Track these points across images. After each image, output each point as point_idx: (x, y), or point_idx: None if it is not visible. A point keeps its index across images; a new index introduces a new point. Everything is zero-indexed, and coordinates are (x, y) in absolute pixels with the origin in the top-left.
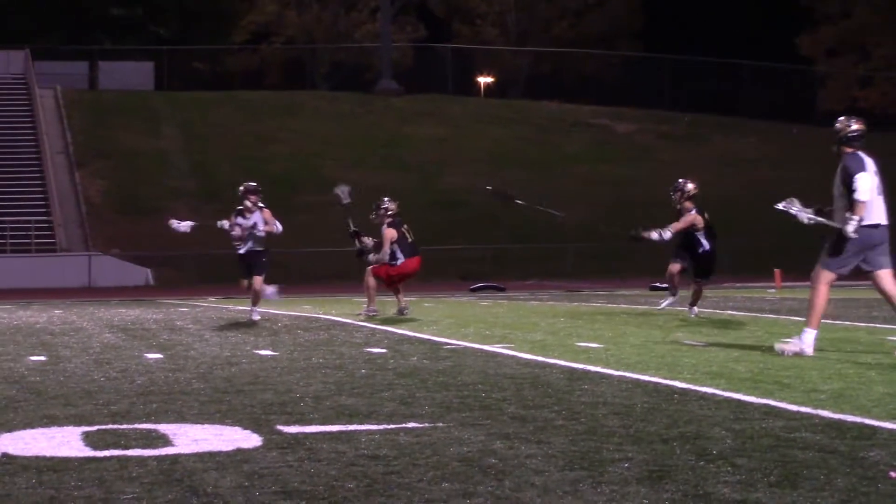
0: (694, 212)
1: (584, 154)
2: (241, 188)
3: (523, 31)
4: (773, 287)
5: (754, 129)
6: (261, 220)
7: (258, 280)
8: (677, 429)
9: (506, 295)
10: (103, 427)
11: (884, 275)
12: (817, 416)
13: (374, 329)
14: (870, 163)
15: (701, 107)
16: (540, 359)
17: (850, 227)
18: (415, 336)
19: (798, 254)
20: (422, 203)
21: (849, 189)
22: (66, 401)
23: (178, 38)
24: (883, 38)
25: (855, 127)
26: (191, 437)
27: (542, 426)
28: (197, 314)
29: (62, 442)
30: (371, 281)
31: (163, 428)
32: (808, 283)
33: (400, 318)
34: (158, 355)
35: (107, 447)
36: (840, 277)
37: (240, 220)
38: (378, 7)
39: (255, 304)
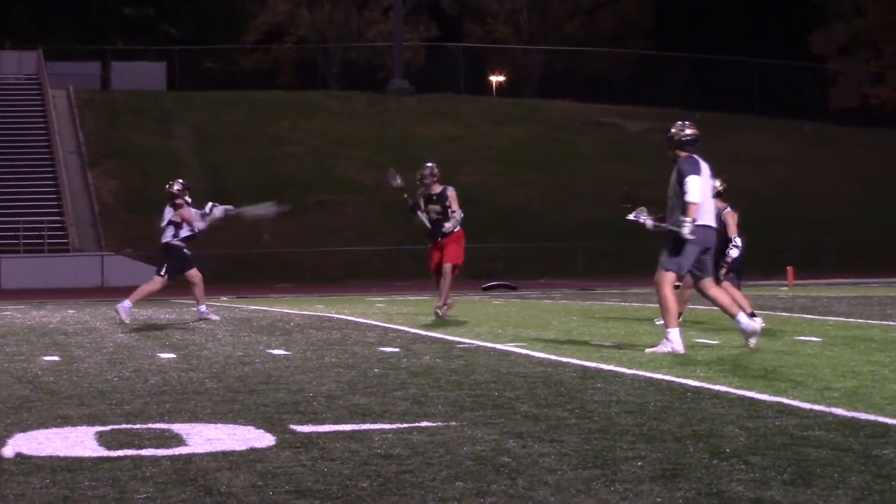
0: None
1: (595, 153)
2: (175, 185)
3: (535, 30)
4: (785, 284)
5: (767, 127)
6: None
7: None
8: (690, 427)
9: (518, 294)
10: (117, 427)
11: (709, 283)
12: (831, 413)
13: (387, 328)
14: (704, 166)
15: (713, 105)
16: (553, 357)
17: (686, 230)
18: (427, 335)
19: (811, 251)
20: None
21: (682, 191)
22: (80, 401)
23: (190, 38)
24: (895, 35)
25: (689, 132)
26: (204, 437)
27: (555, 425)
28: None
29: (76, 442)
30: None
31: (176, 427)
32: (820, 281)
33: (435, 320)
34: (171, 355)
35: (120, 447)
36: (680, 278)
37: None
38: (390, 6)
39: (199, 301)
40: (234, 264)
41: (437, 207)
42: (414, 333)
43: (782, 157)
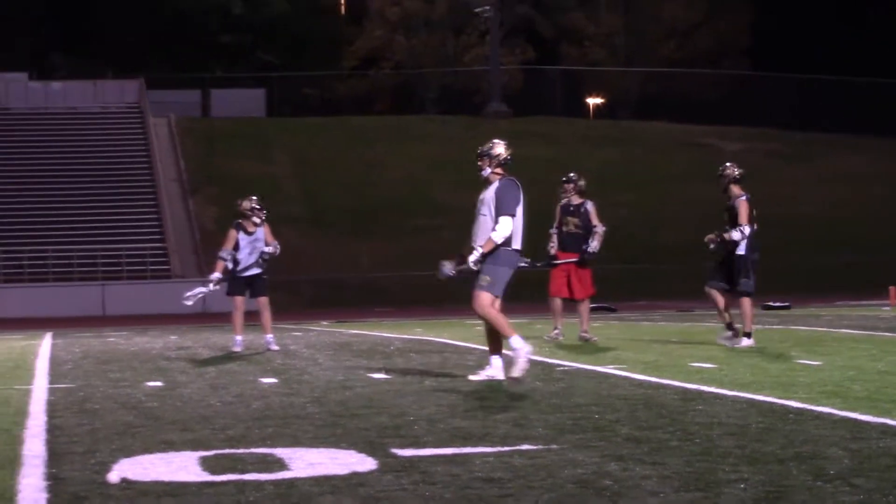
0: (744, 198)
1: (692, 173)
2: (244, 202)
3: (631, 52)
4: (887, 305)
5: (865, 146)
6: (263, 237)
7: (264, 301)
8: (793, 449)
9: (617, 316)
10: (220, 452)
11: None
12: None
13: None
14: (519, 188)
15: (810, 124)
16: (653, 379)
17: (473, 257)
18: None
19: None
20: (532, 224)
21: (497, 207)
22: (184, 426)
23: (288, 65)
24: None
25: (502, 151)
26: (306, 461)
27: (656, 447)
28: (310, 338)
29: (180, 467)
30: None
31: (279, 452)
32: None
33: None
34: (273, 380)
35: (224, 472)
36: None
37: (241, 235)
38: (487, 30)
39: (266, 329)
40: (332, 289)
41: (577, 220)
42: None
43: (881, 176)
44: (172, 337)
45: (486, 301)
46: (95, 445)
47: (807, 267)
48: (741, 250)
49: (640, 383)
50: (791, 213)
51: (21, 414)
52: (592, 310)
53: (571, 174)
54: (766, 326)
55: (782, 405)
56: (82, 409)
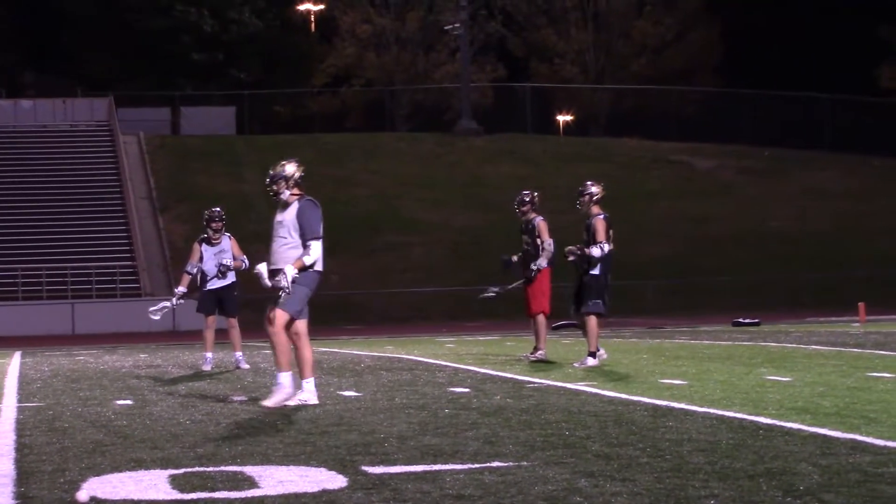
0: (602, 217)
1: (664, 191)
2: (207, 214)
3: (602, 69)
4: (857, 321)
5: (836, 162)
6: (229, 248)
7: (234, 321)
8: (763, 465)
9: None
10: (190, 470)
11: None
12: None
13: (457, 368)
14: (319, 207)
15: (781, 141)
16: (623, 396)
17: (291, 273)
18: (498, 375)
19: (883, 287)
20: (503, 242)
21: (302, 232)
22: (153, 444)
23: (258, 83)
24: None
25: (294, 170)
26: (276, 479)
27: (626, 464)
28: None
29: (150, 485)
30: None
31: (249, 470)
32: (893, 317)
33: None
34: (243, 397)
35: (193, 490)
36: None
37: (204, 246)
38: (457, 48)
39: (236, 347)
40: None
41: (527, 238)
42: (484, 373)
43: (852, 192)
44: (142, 355)
45: (282, 321)
46: (65, 464)
47: (777, 283)
48: (595, 270)
49: (611, 400)
50: (762, 230)
51: None
52: (563, 327)
53: (524, 193)
54: (736, 343)
55: (752, 421)
56: (52, 427)
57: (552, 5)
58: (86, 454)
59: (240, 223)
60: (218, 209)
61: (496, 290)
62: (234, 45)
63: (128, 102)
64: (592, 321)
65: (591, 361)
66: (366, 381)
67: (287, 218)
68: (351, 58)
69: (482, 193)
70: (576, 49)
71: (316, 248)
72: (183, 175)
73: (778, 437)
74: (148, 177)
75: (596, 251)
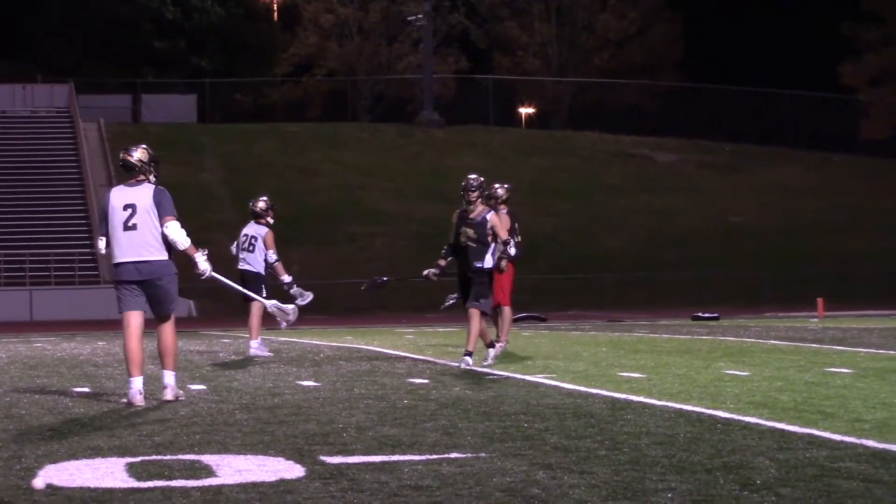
0: (492, 213)
1: (625, 184)
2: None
3: (565, 62)
4: (815, 316)
5: (796, 159)
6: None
7: (250, 307)
8: (721, 458)
9: (547, 325)
10: (147, 458)
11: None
12: (861, 445)
13: (417, 360)
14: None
15: (742, 136)
16: (582, 389)
17: (202, 267)
18: (457, 366)
19: (841, 283)
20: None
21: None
22: (111, 432)
23: (220, 71)
24: None
25: (143, 156)
26: (234, 468)
27: (584, 456)
28: (239, 345)
29: (106, 473)
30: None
31: (206, 459)
32: (851, 313)
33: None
34: (201, 386)
35: (150, 478)
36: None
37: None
38: (420, 39)
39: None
40: None
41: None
42: (443, 365)
43: (811, 189)
44: (100, 343)
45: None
46: (21, 451)
47: (737, 278)
48: (486, 264)
49: (570, 392)
50: (722, 225)
51: None
52: (523, 318)
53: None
54: (696, 337)
55: (710, 415)
56: (8, 414)
57: None
58: (42, 441)
59: (200, 212)
60: (265, 198)
61: (454, 298)
62: (196, 33)
63: (89, 89)
64: (476, 316)
65: (468, 361)
66: (325, 371)
67: (143, 202)
68: (313, 47)
69: (444, 185)
70: (539, 42)
71: (176, 230)
72: None
73: (736, 431)
74: (108, 164)
75: (513, 249)
